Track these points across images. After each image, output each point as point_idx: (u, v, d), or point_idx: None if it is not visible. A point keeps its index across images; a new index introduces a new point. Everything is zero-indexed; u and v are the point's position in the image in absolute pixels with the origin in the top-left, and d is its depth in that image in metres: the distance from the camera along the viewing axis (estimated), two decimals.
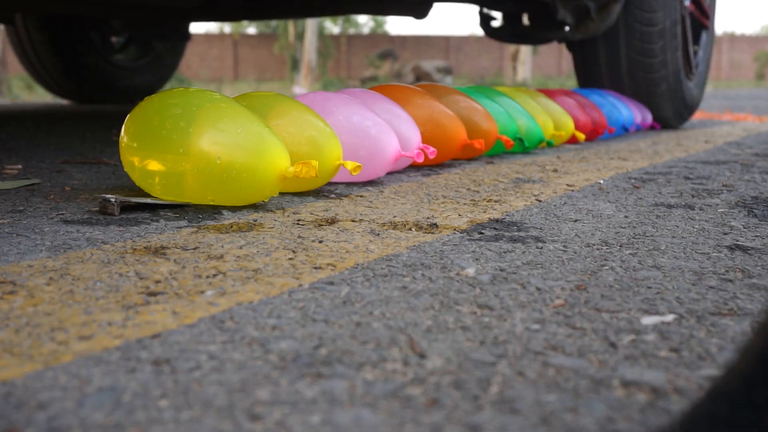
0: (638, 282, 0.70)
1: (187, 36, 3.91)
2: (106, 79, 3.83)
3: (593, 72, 2.76)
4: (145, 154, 1.02)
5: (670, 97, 2.69)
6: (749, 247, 0.85)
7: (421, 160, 1.31)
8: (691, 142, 2.24)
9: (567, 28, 2.54)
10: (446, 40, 19.88)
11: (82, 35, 3.66)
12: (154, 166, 1.01)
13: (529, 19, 2.68)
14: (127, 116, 1.07)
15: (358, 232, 0.91)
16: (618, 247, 0.84)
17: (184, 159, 0.99)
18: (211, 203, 1.03)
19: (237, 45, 19.97)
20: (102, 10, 2.81)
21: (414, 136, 1.37)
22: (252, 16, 3.09)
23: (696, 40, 3.00)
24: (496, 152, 1.77)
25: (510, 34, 2.75)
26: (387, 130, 1.27)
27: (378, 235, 0.89)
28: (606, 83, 2.72)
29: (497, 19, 2.79)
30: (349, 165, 1.11)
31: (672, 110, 2.74)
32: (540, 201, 1.15)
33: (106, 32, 3.74)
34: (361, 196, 1.17)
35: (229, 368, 0.48)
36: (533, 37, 2.70)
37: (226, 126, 1.00)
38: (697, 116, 3.75)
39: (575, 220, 1.00)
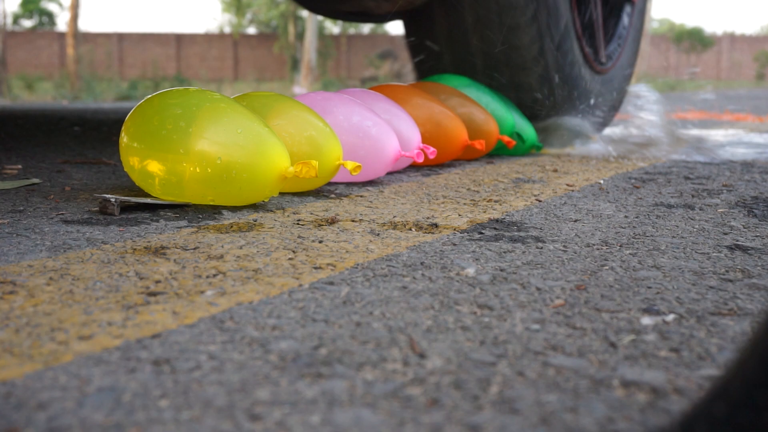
0: (638, 282, 0.70)
1: None
2: None
3: (430, 59, 1.89)
4: (145, 154, 1.02)
5: (552, 99, 1.84)
6: (749, 247, 0.85)
7: (421, 160, 1.31)
8: None
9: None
10: None
11: None
12: (154, 166, 1.01)
13: None
14: (127, 116, 1.07)
15: (358, 232, 0.91)
16: (618, 247, 0.84)
17: (184, 159, 0.99)
18: (211, 203, 1.03)
19: (237, 45, 19.96)
20: None
21: (414, 136, 1.37)
22: None
23: (617, 15, 2.13)
24: (496, 152, 1.77)
25: (327, 9, 2.00)
26: (387, 130, 1.27)
27: (378, 235, 0.89)
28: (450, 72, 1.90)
29: None
30: (349, 165, 1.11)
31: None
32: (540, 201, 1.15)
33: None
34: (361, 196, 1.17)
35: (229, 368, 0.48)
36: (330, 9, 1.90)
37: (226, 126, 1.00)
38: (697, 116, 3.74)
39: (575, 220, 1.00)
